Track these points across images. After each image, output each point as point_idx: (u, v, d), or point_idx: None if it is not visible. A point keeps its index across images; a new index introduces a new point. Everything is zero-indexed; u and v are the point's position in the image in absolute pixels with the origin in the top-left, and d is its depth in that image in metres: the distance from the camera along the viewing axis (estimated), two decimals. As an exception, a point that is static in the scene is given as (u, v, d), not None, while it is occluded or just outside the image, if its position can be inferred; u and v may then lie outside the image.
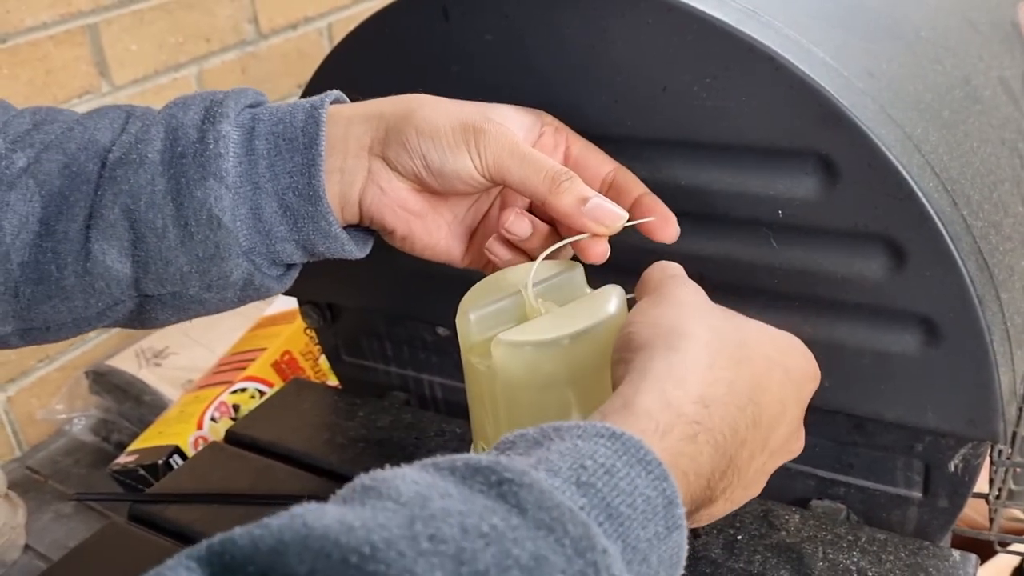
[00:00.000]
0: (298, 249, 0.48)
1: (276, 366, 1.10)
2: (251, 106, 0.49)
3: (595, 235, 0.46)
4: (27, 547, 0.98)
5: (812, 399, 0.43)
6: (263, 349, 1.11)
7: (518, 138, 0.47)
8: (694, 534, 0.54)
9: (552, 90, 0.53)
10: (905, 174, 0.46)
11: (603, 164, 0.51)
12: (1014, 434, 0.52)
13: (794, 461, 0.58)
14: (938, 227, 0.46)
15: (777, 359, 0.40)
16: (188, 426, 1.02)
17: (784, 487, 0.59)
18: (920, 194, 0.46)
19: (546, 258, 0.47)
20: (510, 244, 0.50)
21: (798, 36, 0.49)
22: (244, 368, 1.08)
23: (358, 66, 0.60)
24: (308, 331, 0.79)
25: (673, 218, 0.49)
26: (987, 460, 0.54)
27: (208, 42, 1.29)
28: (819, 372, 0.43)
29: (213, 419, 1.03)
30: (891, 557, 0.52)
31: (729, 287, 0.52)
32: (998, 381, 0.48)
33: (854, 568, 0.52)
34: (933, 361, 0.49)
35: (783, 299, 0.52)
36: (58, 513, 1.04)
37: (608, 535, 0.31)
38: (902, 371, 0.50)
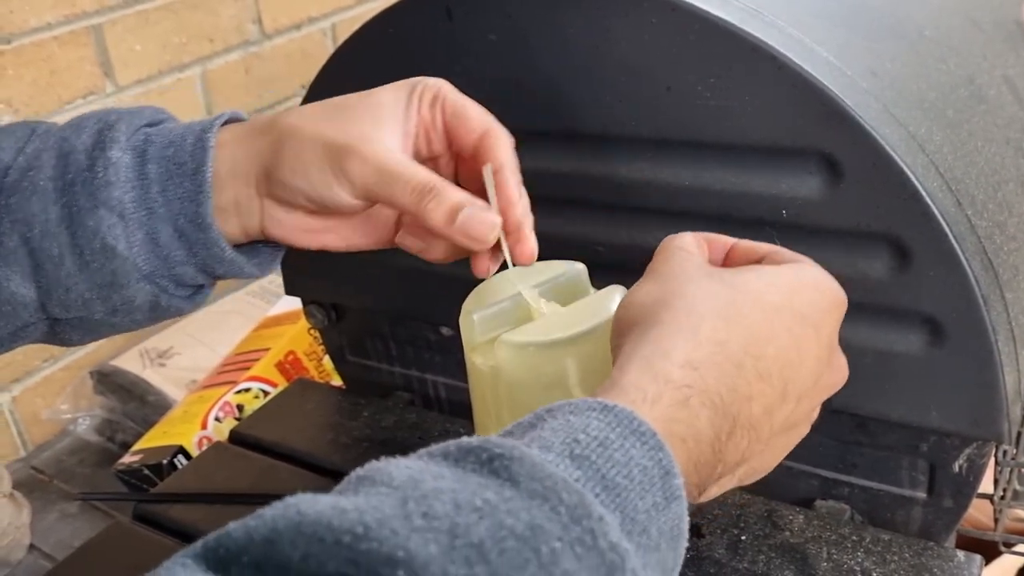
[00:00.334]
0: (199, 272, 0.48)
1: (280, 366, 1.10)
2: (149, 125, 0.48)
3: (472, 251, 0.46)
4: (32, 547, 0.98)
5: None
6: (267, 349, 1.11)
7: (382, 150, 0.45)
8: (697, 534, 0.54)
9: (555, 90, 0.53)
10: (909, 173, 0.46)
11: (468, 135, 0.47)
12: (1019, 434, 0.51)
13: (798, 461, 0.59)
14: (942, 227, 0.46)
15: (783, 303, 0.38)
16: (192, 426, 1.02)
17: (788, 487, 0.59)
18: (924, 193, 0.46)
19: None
20: (420, 232, 0.48)
21: (801, 35, 0.49)
22: (248, 368, 1.09)
23: (362, 66, 0.60)
24: (312, 331, 0.79)
25: (520, 206, 0.46)
26: (991, 460, 0.54)
27: (212, 42, 1.29)
28: (841, 295, 0.40)
29: (217, 419, 1.03)
30: (895, 558, 0.52)
31: (733, 287, 0.51)
32: (1003, 381, 0.48)
33: (858, 568, 0.52)
34: (937, 361, 0.49)
35: (787, 299, 0.52)
36: (63, 513, 1.04)
37: (605, 506, 0.30)
38: (906, 371, 0.50)
